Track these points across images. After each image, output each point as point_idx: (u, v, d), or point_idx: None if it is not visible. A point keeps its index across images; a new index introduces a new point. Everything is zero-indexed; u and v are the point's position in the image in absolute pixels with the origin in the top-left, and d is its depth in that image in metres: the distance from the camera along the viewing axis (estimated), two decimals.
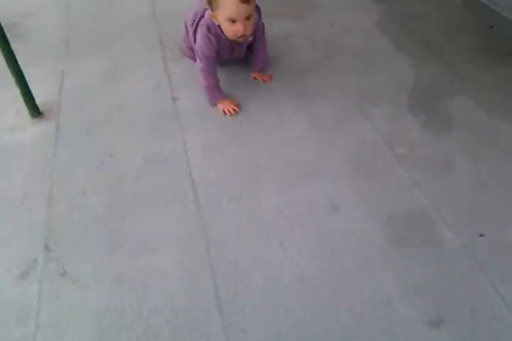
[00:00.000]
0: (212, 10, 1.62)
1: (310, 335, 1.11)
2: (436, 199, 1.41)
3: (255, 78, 1.90)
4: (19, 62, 1.65)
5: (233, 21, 1.59)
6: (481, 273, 1.22)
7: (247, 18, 1.60)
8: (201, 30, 1.70)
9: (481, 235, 1.30)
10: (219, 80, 1.78)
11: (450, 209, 1.38)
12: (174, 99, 1.84)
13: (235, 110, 1.74)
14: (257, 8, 1.73)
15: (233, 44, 1.75)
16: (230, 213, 1.39)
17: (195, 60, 1.85)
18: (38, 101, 1.77)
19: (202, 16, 1.73)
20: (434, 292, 1.18)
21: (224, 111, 1.74)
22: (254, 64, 1.91)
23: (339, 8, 2.36)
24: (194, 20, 1.76)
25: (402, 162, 1.53)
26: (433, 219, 1.35)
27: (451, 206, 1.39)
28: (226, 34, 1.66)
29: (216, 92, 1.77)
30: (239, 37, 1.64)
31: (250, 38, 1.75)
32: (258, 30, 1.77)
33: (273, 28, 2.05)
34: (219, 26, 1.66)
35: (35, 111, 1.76)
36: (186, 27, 1.86)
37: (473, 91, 1.81)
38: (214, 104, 1.77)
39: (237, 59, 1.92)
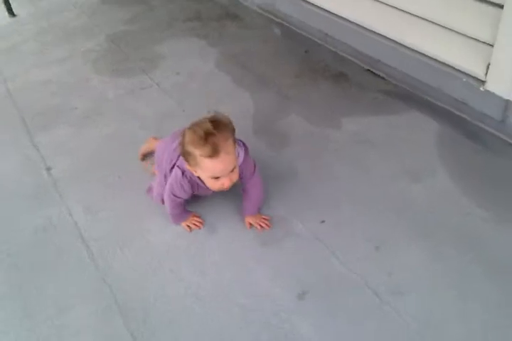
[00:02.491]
0: (189, 165, 1.48)
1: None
2: (284, 199, 1.80)
3: (251, 225, 1.71)
4: None
5: (217, 177, 1.46)
6: (328, 250, 1.61)
7: (232, 170, 1.46)
8: (175, 173, 1.57)
9: (323, 221, 1.70)
10: (184, 205, 1.73)
11: (296, 204, 1.77)
12: (48, 169, 2.04)
13: (199, 222, 1.73)
14: (244, 145, 1.58)
15: None
16: (124, 258, 1.65)
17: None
18: None
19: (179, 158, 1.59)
20: (297, 273, 1.55)
21: (188, 226, 1.72)
22: (246, 206, 1.71)
23: (182, 58, 2.72)
24: (172, 165, 1.62)
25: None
26: (286, 218, 1.73)
27: (297, 201, 1.78)
28: (208, 186, 1.53)
29: (181, 215, 1.73)
30: (224, 189, 1.51)
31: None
32: (246, 170, 1.60)
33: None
34: (198, 177, 1.53)
35: None
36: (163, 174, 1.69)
37: (301, 109, 2.25)
38: (177, 224, 1.75)
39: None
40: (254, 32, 2.90)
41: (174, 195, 1.62)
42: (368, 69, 2.46)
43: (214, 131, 1.37)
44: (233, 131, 1.45)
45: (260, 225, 1.69)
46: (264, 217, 1.72)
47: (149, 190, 1.84)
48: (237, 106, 2.30)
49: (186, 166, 1.50)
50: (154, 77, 2.57)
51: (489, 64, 1.88)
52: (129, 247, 1.69)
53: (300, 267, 1.57)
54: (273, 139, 2.09)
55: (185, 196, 1.63)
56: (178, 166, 1.56)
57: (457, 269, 1.52)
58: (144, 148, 2.03)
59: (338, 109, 2.23)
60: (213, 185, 1.50)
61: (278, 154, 2.01)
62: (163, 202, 1.72)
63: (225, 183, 1.47)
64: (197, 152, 1.39)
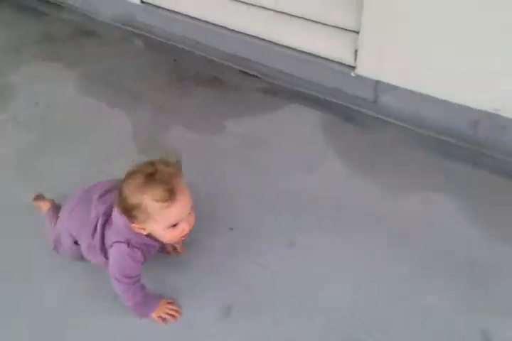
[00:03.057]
0: (137, 223, 1.22)
1: None
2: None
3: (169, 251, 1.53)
4: None
5: (175, 225, 1.22)
6: (246, 253, 1.53)
7: (189, 211, 1.25)
8: (117, 250, 1.27)
9: (231, 229, 1.61)
10: (144, 286, 1.36)
11: (199, 217, 1.66)
12: None
13: (174, 311, 1.38)
14: None
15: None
16: None
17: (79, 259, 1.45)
18: None
19: (105, 223, 1.32)
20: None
21: (161, 318, 1.36)
22: None
23: (38, 85, 2.45)
24: (95, 229, 1.33)
25: None
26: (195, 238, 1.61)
27: (199, 214, 1.66)
28: (164, 240, 1.29)
29: (148, 302, 1.36)
30: (183, 236, 1.28)
31: None
32: None
33: None
34: (146, 235, 1.27)
35: None
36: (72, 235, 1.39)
37: (181, 119, 2.14)
38: (146, 316, 1.37)
39: None
40: (115, 47, 2.72)
41: (128, 277, 1.28)
42: (242, 71, 2.43)
43: (157, 168, 1.17)
44: (180, 167, 1.25)
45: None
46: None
47: (54, 241, 1.47)
48: (114, 129, 2.12)
49: (132, 228, 1.23)
50: (9, 110, 2.28)
51: (357, 50, 1.93)
52: None
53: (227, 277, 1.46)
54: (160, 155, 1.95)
55: (139, 269, 1.30)
56: (117, 241, 1.27)
57: (368, 251, 1.53)
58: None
59: (219, 114, 2.16)
60: (172, 236, 1.24)
61: None
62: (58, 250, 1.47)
63: (185, 228, 1.23)
64: (147, 199, 1.14)
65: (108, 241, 1.30)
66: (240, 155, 1.92)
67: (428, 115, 1.91)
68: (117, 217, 1.26)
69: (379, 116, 2.05)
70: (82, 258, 1.42)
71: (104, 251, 1.32)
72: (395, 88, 1.94)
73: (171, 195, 1.15)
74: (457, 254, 1.49)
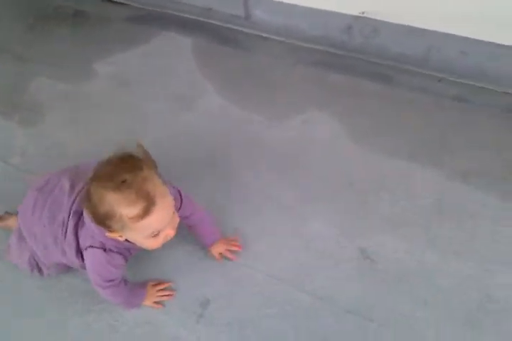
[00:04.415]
0: (111, 231, 1.03)
1: None
2: None
3: (221, 255, 1.32)
4: None
5: (157, 234, 1.04)
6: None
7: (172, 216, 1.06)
8: (94, 256, 1.12)
9: None
10: (126, 280, 1.23)
11: None
12: None
13: (166, 292, 1.27)
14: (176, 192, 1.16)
15: None
16: None
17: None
18: None
19: (78, 222, 1.13)
20: None
21: (156, 302, 1.26)
22: (204, 237, 1.32)
23: None
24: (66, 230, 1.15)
25: None
26: None
27: None
28: (146, 247, 1.10)
29: (135, 294, 1.25)
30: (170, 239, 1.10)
31: None
32: (184, 210, 1.19)
33: None
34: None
35: None
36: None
37: (45, 68, 1.93)
38: (138, 306, 1.27)
39: None
40: None
41: (109, 281, 1.15)
42: None
43: (131, 175, 0.95)
44: (153, 162, 1.02)
45: (229, 251, 1.30)
46: (231, 238, 1.33)
47: (9, 252, 1.32)
48: None
49: (105, 234, 1.05)
50: None
51: None
52: None
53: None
54: (26, 114, 1.79)
55: (120, 272, 1.16)
56: (91, 246, 1.10)
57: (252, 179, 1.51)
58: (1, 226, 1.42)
59: (86, 56, 1.96)
60: (155, 244, 1.07)
61: (36, 131, 1.74)
62: (34, 269, 1.28)
63: (169, 233, 1.05)
64: (123, 213, 0.96)
65: (82, 243, 1.13)
66: (115, 100, 1.78)
67: (301, 26, 1.81)
68: (88, 220, 1.06)
69: (253, 32, 1.92)
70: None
71: (79, 253, 1.15)
72: (265, 1, 1.79)
73: (151, 208, 0.96)
74: (338, 175, 1.48)
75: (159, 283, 1.29)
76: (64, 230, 1.14)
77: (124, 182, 0.94)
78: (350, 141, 1.57)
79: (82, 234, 1.12)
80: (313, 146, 1.57)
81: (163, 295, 1.27)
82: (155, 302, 1.26)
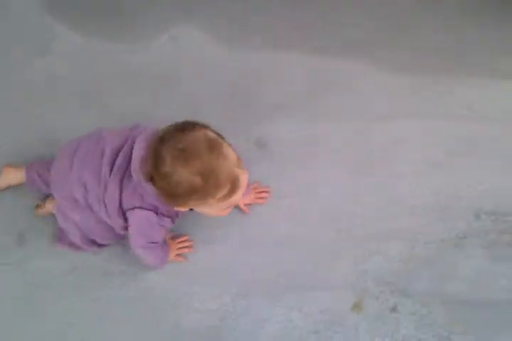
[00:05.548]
0: (178, 206, 1.01)
1: None
2: None
3: (249, 206, 1.32)
4: None
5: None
6: None
7: None
8: (143, 218, 1.08)
9: None
10: None
11: None
12: None
13: (186, 244, 1.28)
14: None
15: None
16: None
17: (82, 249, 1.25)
18: None
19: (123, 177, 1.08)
20: None
21: (178, 255, 1.27)
22: None
23: None
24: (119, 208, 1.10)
25: None
26: None
27: None
28: (210, 216, 1.11)
29: (165, 252, 1.23)
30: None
31: None
32: None
33: None
34: None
35: None
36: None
37: None
38: (167, 262, 1.26)
39: None
40: None
41: (153, 243, 1.15)
42: None
43: (212, 156, 0.92)
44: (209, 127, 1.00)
45: (260, 199, 1.32)
46: (254, 186, 1.32)
47: (61, 237, 1.27)
48: None
49: (162, 201, 1.02)
50: None
51: None
52: None
53: None
54: None
55: (165, 234, 1.18)
56: (140, 207, 1.07)
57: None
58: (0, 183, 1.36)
59: None
60: (224, 213, 1.08)
61: None
62: (91, 244, 1.23)
63: (238, 200, 1.04)
64: (209, 195, 0.95)
65: (128, 202, 1.08)
66: None
67: None
68: (144, 183, 1.01)
69: None
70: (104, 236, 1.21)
71: (121, 212, 1.11)
72: None
73: (233, 189, 0.96)
74: (218, 83, 1.49)
75: (176, 237, 1.28)
76: (104, 187, 1.08)
77: (208, 166, 0.91)
78: (220, 49, 1.56)
79: (127, 193, 1.07)
80: (184, 60, 1.54)
81: (183, 247, 1.27)
82: (177, 256, 1.26)
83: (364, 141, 1.41)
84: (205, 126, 0.97)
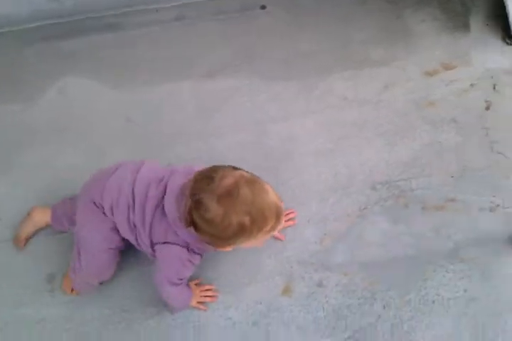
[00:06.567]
0: (220, 247, 1.06)
1: None
2: None
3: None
4: None
5: None
6: None
7: None
8: (174, 253, 1.10)
9: None
10: None
11: None
12: None
13: (209, 293, 1.28)
14: None
15: None
16: None
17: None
18: None
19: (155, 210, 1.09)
20: None
21: (200, 303, 1.26)
22: None
23: None
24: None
25: None
26: None
27: None
28: (247, 247, 1.20)
29: (187, 294, 1.24)
30: None
31: None
32: None
33: None
34: None
35: None
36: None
37: None
38: (187, 307, 1.26)
39: None
40: None
41: (181, 279, 1.17)
42: None
43: (251, 192, 0.97)
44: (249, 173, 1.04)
45: (289, 221, 1.38)
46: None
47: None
48: None
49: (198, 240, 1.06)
50: None
51: None
52: None
53: None
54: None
55: (192, 271, 1.19)
56: (173, 243, 1.10)
57: None
58: (29, 225, 1.37)
59: None
60: (262, 243, 1.12)
61: None
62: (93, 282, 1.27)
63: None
64: (260, 233, 1.00)
65: (159, 236, 1.11)
66: None
67: (8, 11, 1.77)
68: (179, 223, 1.06)
69: None
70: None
71: (151, 243, 1.14)
72: None
73: (277, 219, 1.01)
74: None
75: (199, 283, 1.30)
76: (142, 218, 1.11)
77: (254, 204, 0.95)
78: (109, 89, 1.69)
79: (160, 227, 1.10)
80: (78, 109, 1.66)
81: (206, 296, 1.28)
82: (198, 303, 1.27)
83: (261, 145, 1.55)
84: (235, 168, 1.03)
